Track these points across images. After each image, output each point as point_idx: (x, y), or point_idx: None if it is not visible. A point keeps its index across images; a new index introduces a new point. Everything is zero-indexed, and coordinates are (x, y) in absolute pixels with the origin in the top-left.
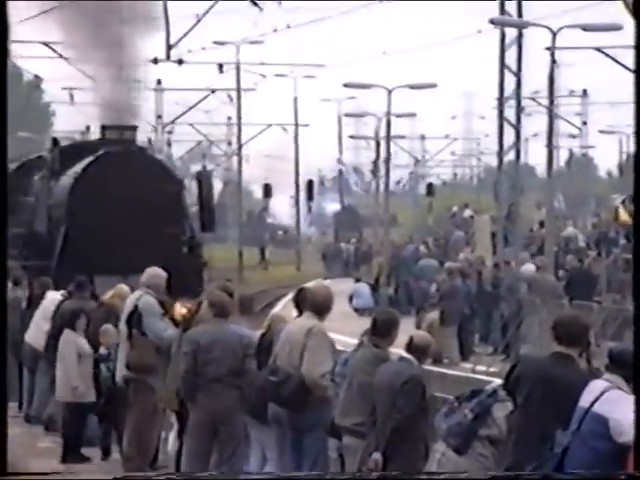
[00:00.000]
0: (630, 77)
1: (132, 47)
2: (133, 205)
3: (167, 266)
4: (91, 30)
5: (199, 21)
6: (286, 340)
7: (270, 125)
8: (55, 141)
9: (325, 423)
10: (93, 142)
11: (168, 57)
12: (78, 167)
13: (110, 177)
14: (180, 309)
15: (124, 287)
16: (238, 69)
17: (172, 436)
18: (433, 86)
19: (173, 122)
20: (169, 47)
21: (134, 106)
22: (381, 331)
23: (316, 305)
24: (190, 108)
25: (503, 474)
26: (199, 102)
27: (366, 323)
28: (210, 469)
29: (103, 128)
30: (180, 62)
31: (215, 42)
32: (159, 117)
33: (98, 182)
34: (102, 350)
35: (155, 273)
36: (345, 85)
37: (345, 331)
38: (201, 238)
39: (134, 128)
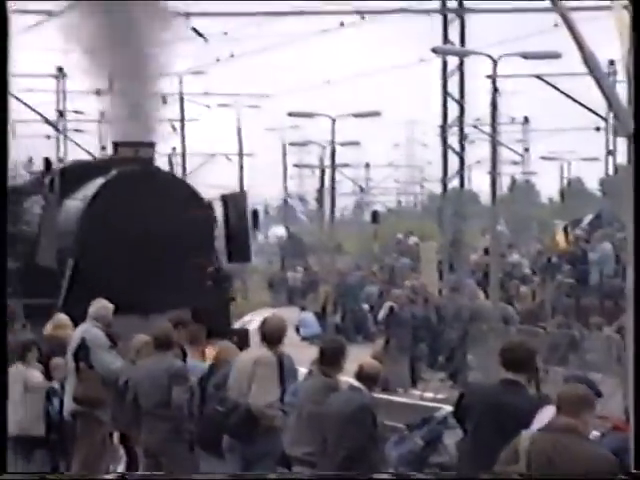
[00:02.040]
0: (570, 104)
1: (152, 59)
2: (154, 233)
3: (192, 302)
4: (107, 40)
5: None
6: (235, 371)
7: (214, 155)
8: (48, 162)
9: (274, 453)
10: (102, 161)
11: (111, 88)
12: (88, 190)
13: (127, 201)
14: (212, 351)
15: (63, 316)
16: (182, 100)
17: (121, 469)
18: (377, 114)
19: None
20: (111, 79)
21: (152, 122)
22: (329, 360)
23: (267, 335)
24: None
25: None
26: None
27: (315, 352)
28: None
29: (115, 145)
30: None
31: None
32: (103, 148)
33: (113, 207)
34: (55, 384)
35: (102, 305)
36: (289, 114)
37: (295, 360)
38: (228, 270)
39: (152, 145)
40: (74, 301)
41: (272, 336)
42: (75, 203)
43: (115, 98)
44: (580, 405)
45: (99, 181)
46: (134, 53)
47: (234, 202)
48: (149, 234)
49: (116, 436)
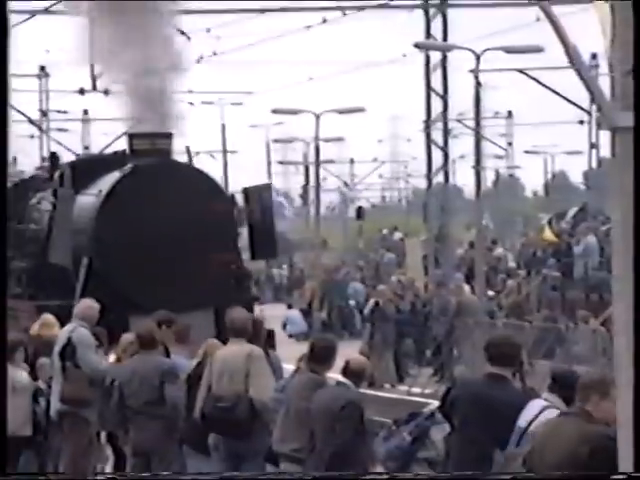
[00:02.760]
0: (553, 98)
1: (170, 51)
2: (175, 230)
3: (215, 302)
4: (126, 31)
5: None
6: (224, 367)
7: (198, 153)
8: (54, 157)
9: (265, 450)
10: (115, 154)
11: (94, 87)
12: (103, 184)
13: (145, 196)
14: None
15: (49, 316)
16: None
17: (108, 469)
18: (361, 110)
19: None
20: (94, 78)
21: (168, 113)
22: (319, 357)
23: (236, 330)
24: (117, 138)
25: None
26: (126, 132)
27: (301, 349)
28: None
29: (131, 137)
30: (106, 92)
31: None
32: (86, 148)
33: (130, 202)
34: (41, 384)
35: (89, 305)
36: (273, 111)
37: (282, 357)
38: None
39: (169, 136)
40: None
41: (241, 331)
42: (89, 199)
43: (129, 90)
44: (588, 389)
45: (115, 175)
46: (147, 46)
47: (258, 195)
48: (169, 231)
49: (103, 436)
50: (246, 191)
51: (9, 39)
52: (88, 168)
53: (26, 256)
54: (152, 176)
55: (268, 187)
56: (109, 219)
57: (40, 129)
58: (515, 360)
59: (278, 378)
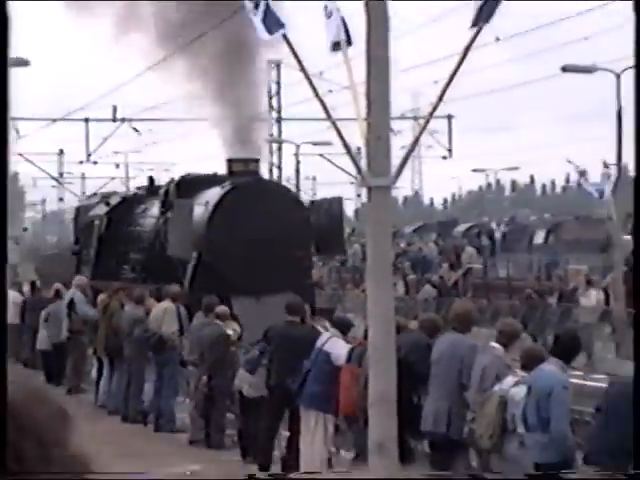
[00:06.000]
0: (337, 170)
1: (255, 89)
2: (265, 233)
3: (293, 286)
4: (221, 72)
5: (106, 139)
6: (154, 315)
7: None
8: (152, 179)
9: (175, 360)
10: (207, 176)
11: (88, 159)
12: (209, 197)
13: (244, 206)
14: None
15: (59, 284)
16: (127, 168)
17: (94, 371)
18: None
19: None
20: (89, 155)
21: (255, 141)
22: (206, 309)
23: (170, 294)
24: (100, 188)
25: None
26: (104, 185)
27: None
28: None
29: (230, 161)
30: (95, 163)
31: (114, 152)
32: (83, 193)
33: (232, 211)
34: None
35: (81, 278)
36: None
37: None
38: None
39: (257, 160)
40: (199, 285)
41: (175, 295)
42: (198, 208)
43: (227, 126)
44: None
45: (217, 190)
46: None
47: (328, 205)
48: (261, 233)
49: (90, 351)
50: (315, 203)
51: (9, 38)
52: (189, 185)
53: (140, 250)
54: (248, 191)
55: (339, 200)
56: (216, 224)
57: (59, 182)
58: (300, 310)
59: (185, 320)
